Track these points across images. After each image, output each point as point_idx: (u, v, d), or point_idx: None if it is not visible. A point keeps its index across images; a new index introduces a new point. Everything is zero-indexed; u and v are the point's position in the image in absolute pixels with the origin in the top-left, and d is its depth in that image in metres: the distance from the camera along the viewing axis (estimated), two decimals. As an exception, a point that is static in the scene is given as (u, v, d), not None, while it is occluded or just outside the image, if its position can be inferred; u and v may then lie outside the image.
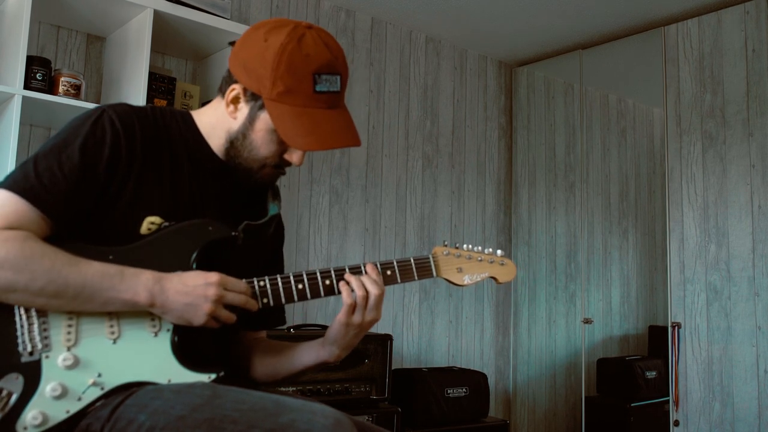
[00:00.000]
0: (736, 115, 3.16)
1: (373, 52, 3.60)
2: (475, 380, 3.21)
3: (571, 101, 3.98)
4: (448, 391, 3.10)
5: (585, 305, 3.71)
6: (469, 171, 3.94)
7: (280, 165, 1.33)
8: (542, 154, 4.03)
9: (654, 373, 3.56)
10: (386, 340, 2.90)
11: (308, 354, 1.40)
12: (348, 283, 1.30)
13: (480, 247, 1.42)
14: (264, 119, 1.27)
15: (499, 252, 1.42)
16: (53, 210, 1.17)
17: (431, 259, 1.38)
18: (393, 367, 3.03)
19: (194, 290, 1.18)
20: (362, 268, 1.33)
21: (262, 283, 1.28)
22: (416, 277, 1.36)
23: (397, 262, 1.36)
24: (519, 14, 3.53)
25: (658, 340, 3.48)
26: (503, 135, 4.15)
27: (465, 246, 1.40)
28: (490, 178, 4.05)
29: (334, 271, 1.32)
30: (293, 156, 1.31)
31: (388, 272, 1.35)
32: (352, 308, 1.30)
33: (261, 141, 1.29)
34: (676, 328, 3.26)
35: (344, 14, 3.51)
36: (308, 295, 1.30)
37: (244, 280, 1.27)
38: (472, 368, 3.64)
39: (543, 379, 3.92)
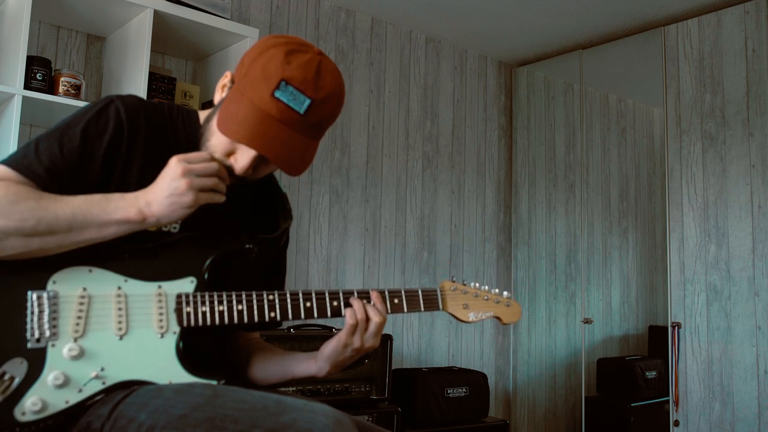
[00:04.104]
0: (736, 115, 3.16)
1: (373, 52, 3.60)
2: (475, 380, 3.21)
3: (571, 101, 3.98)
4: (448, 391, 3.10)
5: (585, 305, 3.71)
6: (469, 171, 3.94)
7: (224, 166, 1.27)
8: (542, 154, 4.03)
9: (654, 373, 3.56)
10: (386, 340, 2.90)
11: (299, 365, 1.40)
12: (351, 305, 1.31)
13: (487, 287, 1.44)
14: None
15: (505, 293, 1.44)
16: (48, 188, 1.18)
17: (439, 292, 1.40)
18: (393, 367, 3.03)
19: (166, 183, 1.17)
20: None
21: (271, 297, 1.28)
22: (422, 309, 1.38)
23: (404, 292, 1.37)
24: (519, 14, 3.53)
25: (658, 340, 3.48)
26: (503, 135, 4.15)
27: (473, 284, 1.43)
28: (490, 178, 4.05)
29: (343, 293, 1.32)
30: (237, 160, 1.25)
31: (395, 300, 1.36)
32: (353, 329, 1.30)
33: (215, 128, 1.25)
34: (676, 328, 3.26)
35: (344, 14, 3.51)
36: (315, 314, 1.31)
37: (254, 293, 1.28)
38: (472, 368, 3.65)
39: (543, 379, 3.92)
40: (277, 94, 1.18)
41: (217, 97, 1.31)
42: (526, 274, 4.00)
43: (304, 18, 3.37)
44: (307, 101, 1.20)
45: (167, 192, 1.16)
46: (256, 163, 1.25)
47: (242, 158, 1.24)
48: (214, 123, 1.26)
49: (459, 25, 3.68)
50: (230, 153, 1.25)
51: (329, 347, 1.34)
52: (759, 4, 3.12)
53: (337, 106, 1.27)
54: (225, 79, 1.30)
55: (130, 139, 1.24)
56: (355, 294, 1.33)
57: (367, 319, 1.30)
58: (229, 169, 1.26)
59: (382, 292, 1.34)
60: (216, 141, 1.25)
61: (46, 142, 1.20)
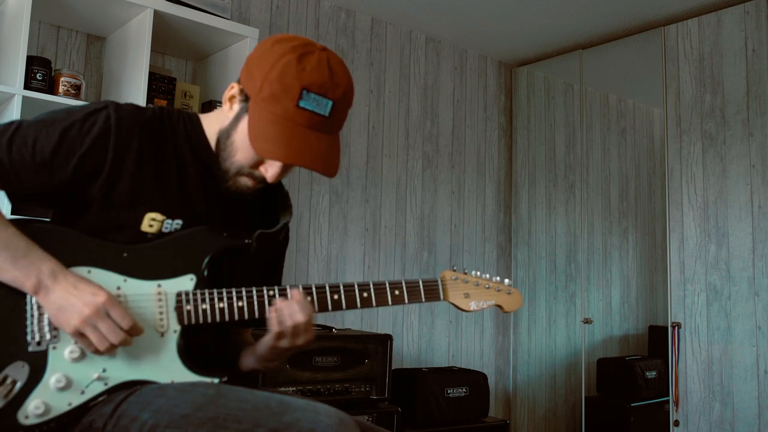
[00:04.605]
0: (736, 115, 3.16)
1: (373, 52, 3.60)
2: (475, 380, 3.21)
3: (571, 101, 3.98)
4: (448, 391, 3.10)
5: (585, 305, 3.71)
6: (469, 171, 3.94)
7: (254, 177, 1.29)
8: (542, 154, 4.03)
9: (654, 373, 3.56)
10: (386, 340, 2.89)
11: (249, 360, 1.41)
12: (277, 310, 1.26)
13: (488, 275, 1.42)
14: (246, 121, 1.25)
15: (506, 281, 1.42)
16: (6, 175, 1.19)
17: (439, 282, 1.38)
18: (393, 367, 3.03)
19: (76, 299, 1.14)
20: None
21: (271, 293, 1.28)
22: (423, 299, 1.36)
23: (405, 283, 1.35)
24: (519, 14, 3.53)
25: (658, 340, 3.48)
26: (503, 135, 4.15)
27: (473, 272, 1.41)
28: (490, 178, 4.05)
29: (344, 286, 1.31)
30: (268, 170, 1.27)
31: (396, 292, 1.34)
32: (280, 336, 1.28)
33: (240, 143, 1.26)
34: (676, 328, 3.26)
35: (344, 14, 3.51)
36: (315, 308, 1.30)
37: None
38: (472, 368, 3.64)
39: (543, 379, 3.92)
40: (302, 104, 1.20)
41: (226, 109, 1.30)
42: (526, 274, 4.00)
43: (304, 18, 3.37)
44: (330, 103, 1.22)
45: (66, 304, 1.14)
46: (285, 168, 1.28)
47: (272, 168, 1.27)
48: (236, 138, 1.27)
49: (459, 25, 3.68)
50: (258, 163, 1.28)
51: (261, 349, 1.34)
52: (759, 4, 3.12)
53: (353, 97, 1.29)
54: (232, 91, 1.29)
55: (119, 145, 1.23)
56: (287, 291, 1.28)
57: (294, 324, 1.26)
58: (260, 179, 1.29)
59: (314, 289, 1.30)
60: (242, 156, 1.27)
61: (25, 131, 1.20)
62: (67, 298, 1.14)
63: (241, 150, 1.27)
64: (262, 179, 1.29)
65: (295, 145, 1.21)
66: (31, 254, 1.15)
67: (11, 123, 1.21)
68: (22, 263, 1.14)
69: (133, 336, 1.19)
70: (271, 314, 1.26)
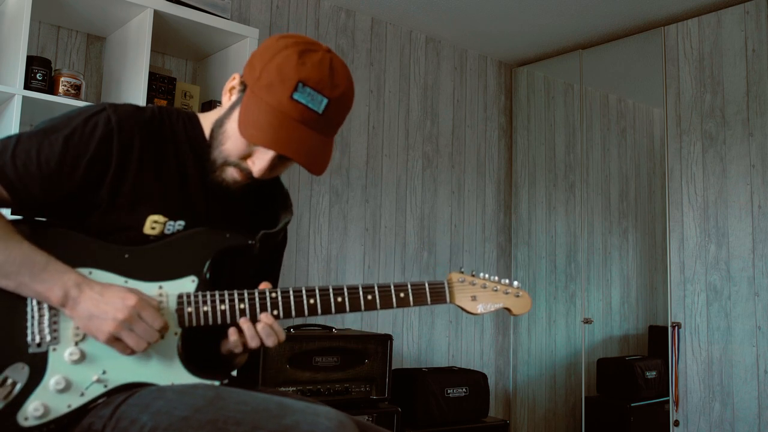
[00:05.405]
0: (736, 115, 3.16)
1: (373, 52, 3.60)
2: (475, 380, 3.21)
3: (571, 101, 3.98)
4: (448, 391, 3.10)
5: (585, 305, 3.71)
6: (469, 171, 3.94)
7: (241, 169, 1.27)
8: (542, 154, 4.03)
9: (654, 373, 3.56)
10: (386, 340, 2.89)
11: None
12: (242, 332, 1.26)
13: (496, 277, 1.39)
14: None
15: (515, 283, 1.39)
16: (16, 192, 1.18)
17: (446, 285, 1.36)
18: (393, 367, 3.03)
19: (106, 306, 1.15)
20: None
21: (273, 295, 1.27)
22: (429, 302, 1.34)
23: (411, 285, 1.33)
24: (519, 14, 3.53)
25: (658, 340, 3.48)
26: (503, 135, 4.15)
27: (481, 274, 1.38)
28: (490, 178, 4.05)
29: (347, 289, 1.30)
30: (255, 163, 1.25)
31: (401, 294, 1.32)
32: (243, 347, 1.28)
33: (231, 132, 1.25)
34: (676, 328, 3.26)
35: (344, 14, 3.51)
36: (318, 311, 1.29)
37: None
38: (472, 368, 3.64)
39: (543, 379, 3.91)
40: (296, 96, 1.19)
41: (225, 100, 1.30)
42: (526, 274, 4.00)
43: (304, 18, 3.37)
44: (325, 100, 1.21)
45: (97, 312, 1.15)
46: (273, 164, 1.26)
47: (260, 161, 1.25)
48: (228, 127, 1.26)
49: (459, 25, 3.68)
50: (246, 156, 1.26)
51: (224, 352, 1.34)
52: (759, 4, 3.12)
53: (351, 102, 1.28)
54: (233, 82, 1.29)
55: (122, 147, 1.23)
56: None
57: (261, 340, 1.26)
58: (246, 172, 1.27)
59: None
60: (231, 145, 1.26)
61: (27, 143, 1.19)
62: (97, 306, 1.15)
63: (231, 138, 1.26)
64: (249, 173, 1.27)
65: (283, 135, 1.20)
66: (51, 267, 1.16)
67: (10, 138, 1.20)
68: (43, 277, 1.15)
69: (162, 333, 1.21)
70: (231, 331, 1.25)
